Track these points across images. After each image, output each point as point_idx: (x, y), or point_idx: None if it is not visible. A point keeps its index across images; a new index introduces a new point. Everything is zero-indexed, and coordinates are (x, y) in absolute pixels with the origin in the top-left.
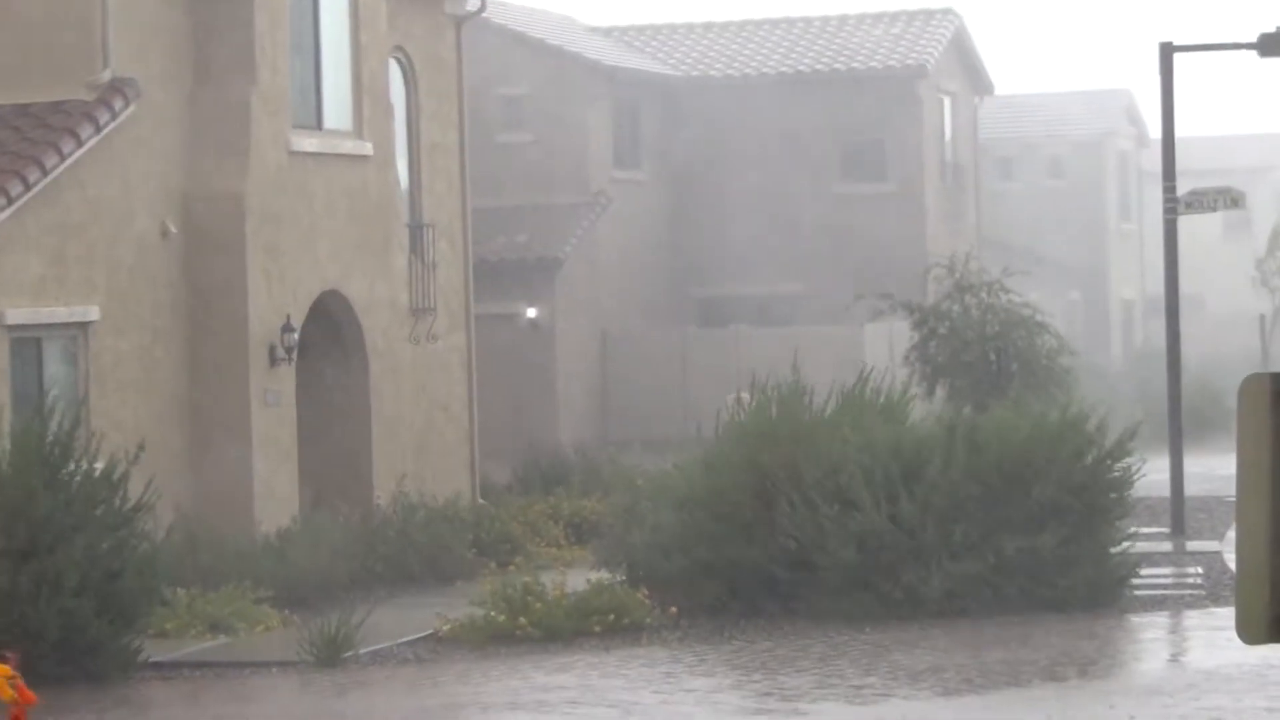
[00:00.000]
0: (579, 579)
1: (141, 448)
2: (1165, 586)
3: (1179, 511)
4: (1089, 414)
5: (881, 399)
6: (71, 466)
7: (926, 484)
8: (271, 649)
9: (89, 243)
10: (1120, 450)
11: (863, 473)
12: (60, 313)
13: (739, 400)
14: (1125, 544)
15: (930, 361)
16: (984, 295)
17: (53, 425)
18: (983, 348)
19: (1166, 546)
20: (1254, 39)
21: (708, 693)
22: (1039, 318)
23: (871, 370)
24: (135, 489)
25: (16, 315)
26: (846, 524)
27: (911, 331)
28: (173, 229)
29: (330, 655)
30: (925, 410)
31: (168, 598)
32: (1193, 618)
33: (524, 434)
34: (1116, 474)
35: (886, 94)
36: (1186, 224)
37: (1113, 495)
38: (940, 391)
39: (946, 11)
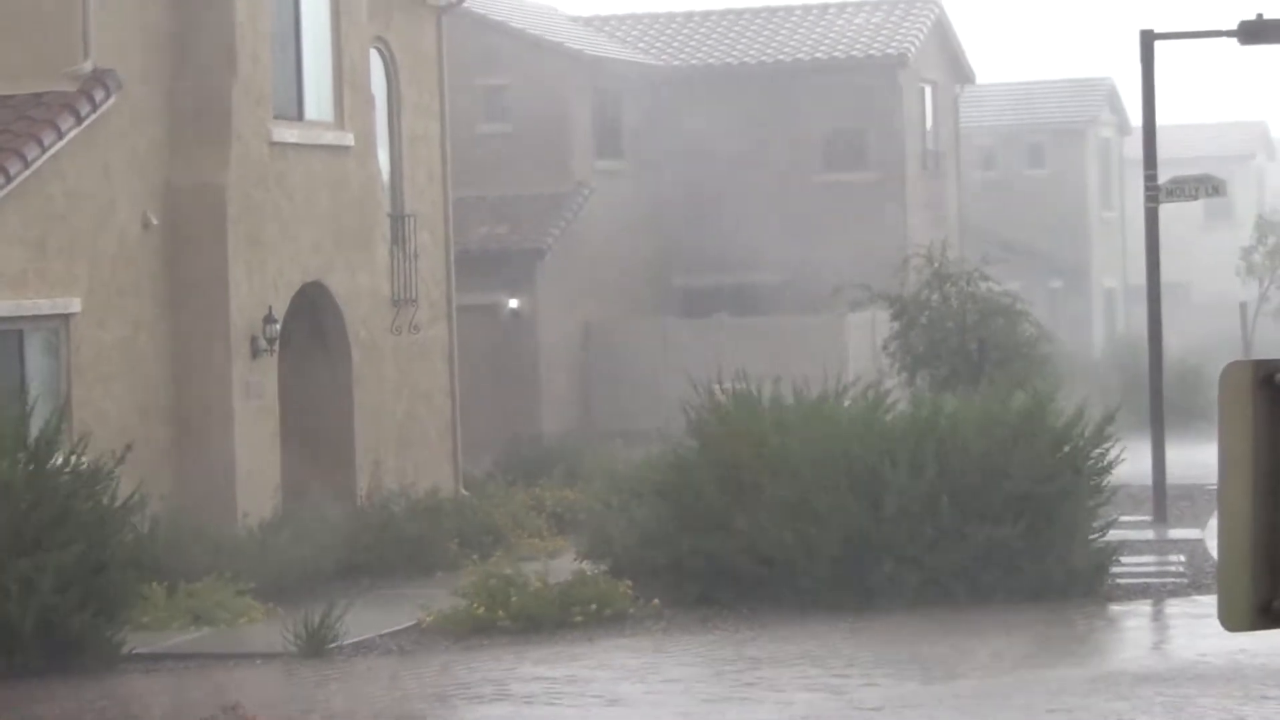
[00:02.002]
0: (562, 570)
1: (129, 447)
2: (1147, 574)
3: (1161, 499)
4: (1055, 401)
5: (867, 392)
6: (57, 461)
7: (904, 477)
8: (255, 640)
9: (71, 234)
10: (1098, 437)
11: (845, 467)
12: (42, 305)
13: (723, 391)
14: (1102, 532)
15: (910, 351)
16: (963, 284)
17: (36, 420)
18: (961, 337)
19: (1148, 534)
20: (1234, 27)
21: (691, 683)
22: (1019, 305)
23: (845, 364)
24: (123, 483)
25: None
26: (829, 518)
27: (891, 322)
28: (154, 220)
29: (314, 646)
30: (907, 399)
31: (148, 591)
32: (1175, 605)
33: (506, 424)
34: (1092, 460)
35: (867, 83)
36: (1168, 212)
37: (1092, 482)
38: (921, 381)
39: (927, 0)
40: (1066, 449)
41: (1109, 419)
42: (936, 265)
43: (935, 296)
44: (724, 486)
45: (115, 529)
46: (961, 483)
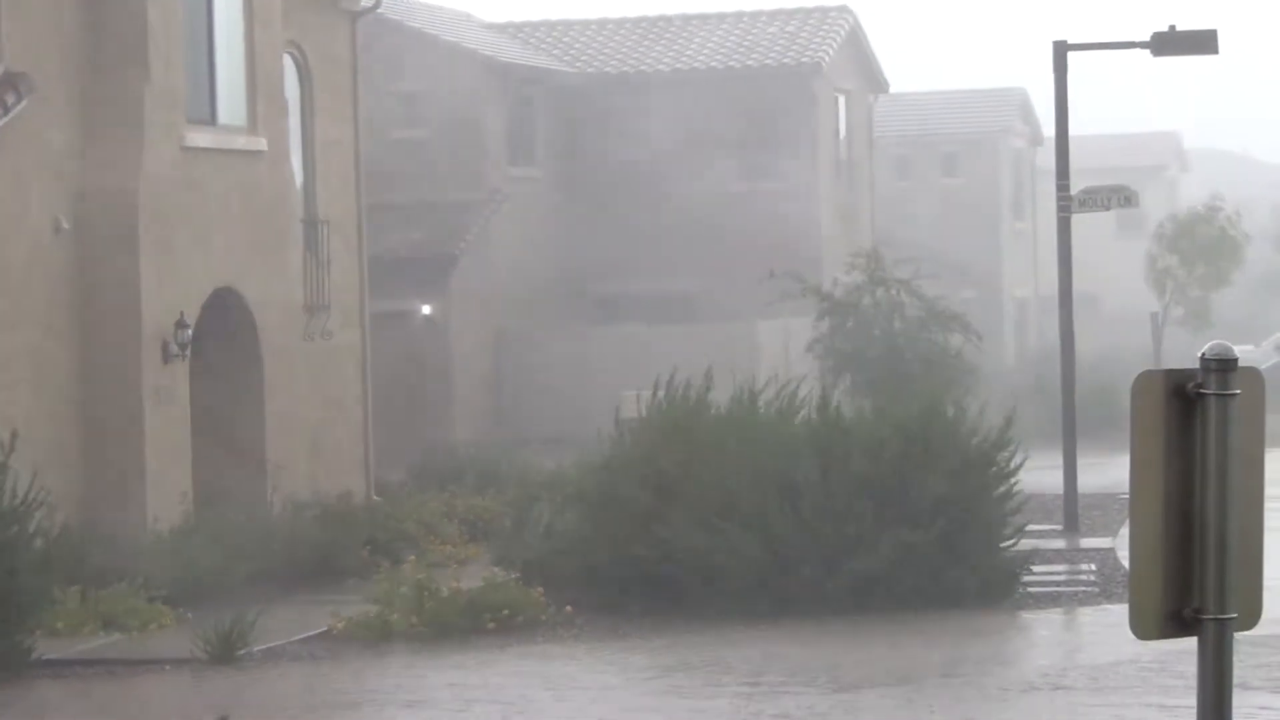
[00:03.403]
0: (474, 577)
1: (14, 434)
2: (1059, 583)
3: (1072, 508)
4: (962, 405)
5: (776, 397)
6: None
7: (816, 484)
8: (165, 646)
9: None
10: (1001, 441)
11: (756, 474)
12: None
13: (638, 399)
14: (1015, 540)
15: (835, 353)
16: (894, 292)
17: None
18: (887, 344)
19: (1060, 543)
20: (1147, 38)
21: (602, 690)
22: (951, 311)
23: (758, 370)
24: (25, 487)
25: None
26: (743, 525)
27: (817, 321)
28: (65, 225)
29: (224, 652)
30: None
31: (58, 596)
32: (1086, 614)
33: (419, 431)
34: (998, 465)
35: (781, 91)
36: (1080, 222)
37: (1000, 489)
38: (844, 384)
39: (841, 9)
40: (972, 452)
41: (1009, 422)
42: (874, 269)
43: (866, 299)
44: (641, 492)
45: (21, 530)
46: (876, 488)
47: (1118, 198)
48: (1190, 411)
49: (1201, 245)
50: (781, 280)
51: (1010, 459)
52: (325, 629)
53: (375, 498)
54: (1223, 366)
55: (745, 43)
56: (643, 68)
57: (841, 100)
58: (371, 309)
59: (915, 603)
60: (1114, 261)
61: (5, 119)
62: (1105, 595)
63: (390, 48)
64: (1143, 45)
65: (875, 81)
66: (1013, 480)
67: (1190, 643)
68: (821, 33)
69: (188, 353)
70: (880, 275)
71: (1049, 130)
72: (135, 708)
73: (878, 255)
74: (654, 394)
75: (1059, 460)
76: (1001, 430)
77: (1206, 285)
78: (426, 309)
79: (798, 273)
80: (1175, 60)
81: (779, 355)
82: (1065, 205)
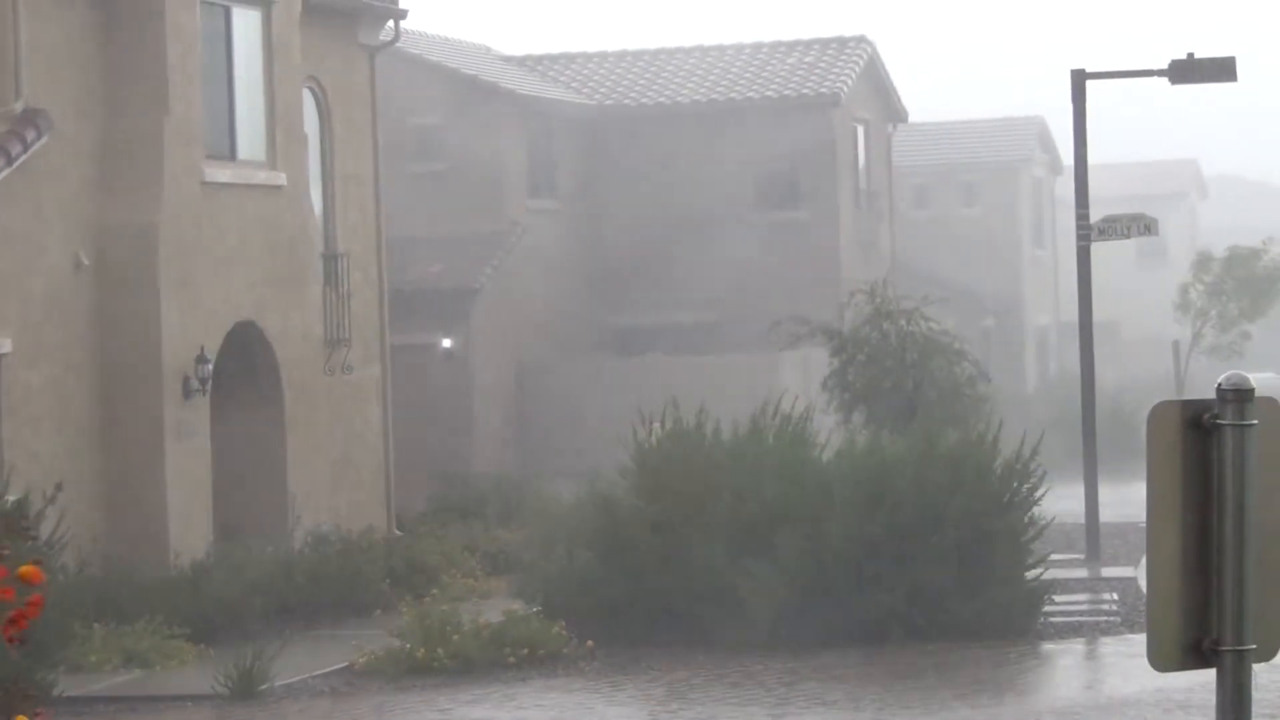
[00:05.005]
0: (495, 610)
1: (59, 486)
2: (1080, 613)
3: (1094, 537)
4: (988, 440)
5: (791, 428)
6: None
7: (838, 516)
8: (187, 682)
9: (1, 275)
10: (1023, 471)
11: (775, 506)
12: None
13: (653, 431)
14: (1037, 570)
15: (849, 388)
16: (903, 323)
17: None
18: (900, 375)
19: (1081, 573)
20: (1165, 66)
21: None
22: (958, 345)
23: (780, 400)
24: (49, 523)
25: None
26: (760, 558)
27: (830, 358)
28: (85, 260)
29: (245, 688)
30: (843, 436)
31: (80, 632)
32: (1108, 644)
33: (440, 464)
34: (1021, 495)
35: (800, 122)
36: (1100, 251)
37: (1021, 518)
38: (858, 417)
39: (859, 40)
40: (995, 484)
41: (1034, 452)
42: (878, 302)
43: (875, 334)
44: (659, 527)
45: (44, 566)
46: (897, 522)
47: (1138, 226)
48: (1207, 442)
49: (1245, 278)
50: (788, 325)
51: (1033, 490)
52: (347, 663)
53: (397, 531)
54: (1239, 397)
55: (764, 74)
56: (661, 99)
57: (860, 130)
58: (392, 342)
59: (935, 634)
60: (1135, 290)
61: (25, 155)
62: (1127, 625)
63: (409, 81)
64: (1161, 73)
65: (894, 111)
66: (1034, 512)
67: (1212, 673)
68: (840, 63)
69: (208, 387)
70: (885, 308)
71: (1068, 158)
72: None
73: (883, 288)
74: (654, 425)
75: (1080, 488)
76: (1025, 462)
77: (1248, 315)
78: (447, 342)
79: (803, 316)
80: (1194, 88)
81: (800, 386)
82: (1085, 234)
